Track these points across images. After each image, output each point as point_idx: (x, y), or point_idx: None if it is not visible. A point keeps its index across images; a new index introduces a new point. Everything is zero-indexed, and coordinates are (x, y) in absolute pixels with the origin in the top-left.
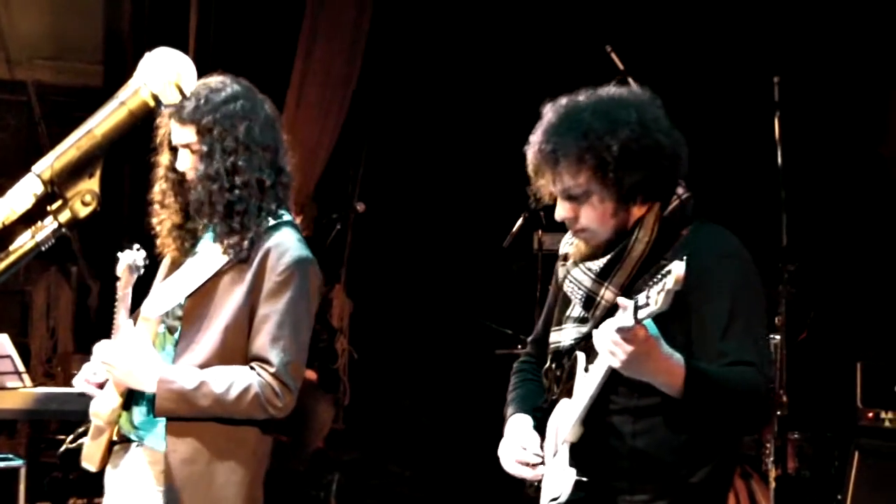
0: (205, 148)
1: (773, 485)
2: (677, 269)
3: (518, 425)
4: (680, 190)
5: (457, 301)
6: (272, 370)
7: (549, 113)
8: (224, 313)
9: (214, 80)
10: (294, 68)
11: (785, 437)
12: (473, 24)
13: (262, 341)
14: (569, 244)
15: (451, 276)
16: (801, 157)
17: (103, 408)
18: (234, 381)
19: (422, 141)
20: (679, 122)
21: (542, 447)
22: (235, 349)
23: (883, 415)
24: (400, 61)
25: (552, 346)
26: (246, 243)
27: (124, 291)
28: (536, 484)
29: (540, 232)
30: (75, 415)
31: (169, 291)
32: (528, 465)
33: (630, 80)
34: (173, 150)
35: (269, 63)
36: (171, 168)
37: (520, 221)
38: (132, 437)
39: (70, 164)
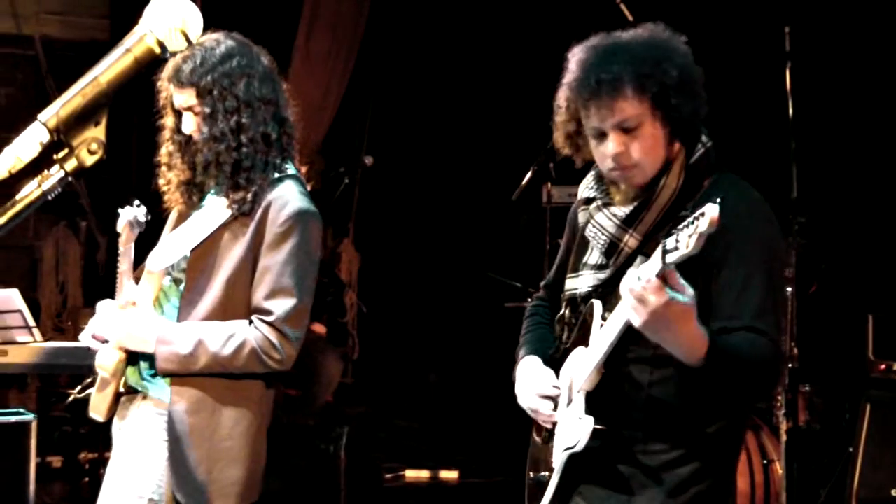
0: (207, 109)
1: (783, 437)
2: (711, 211)
3: (532, 364)
4: (704, 137)
5: (465, 254)
6: (271, 321)
7: (583, 52)
8: (227, 266)
9: (208, 38)
10: (301, 22)
11: (796, 389)
12: None
13: (263, 293)
14: (590, 188)
15: (459, 229)
16: (811, 108)
17: (107, 360)
18: (230, 337)
19: (429, 94)
20: None
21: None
22: (238, 301)
23: (894, 367)
24: (407, 13)
25: (568, 292)
26: (249, 196)
27: (125, 247)
28: (548, 431)
29: (549, 185)
30: (85, 369)
31: (174, 244)
32: (548, 397)
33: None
34: (177, 113)
35: (276, 17)
36: (177, 130)
37: (529, 174)
38: (139, 388)
39: (76, 112)
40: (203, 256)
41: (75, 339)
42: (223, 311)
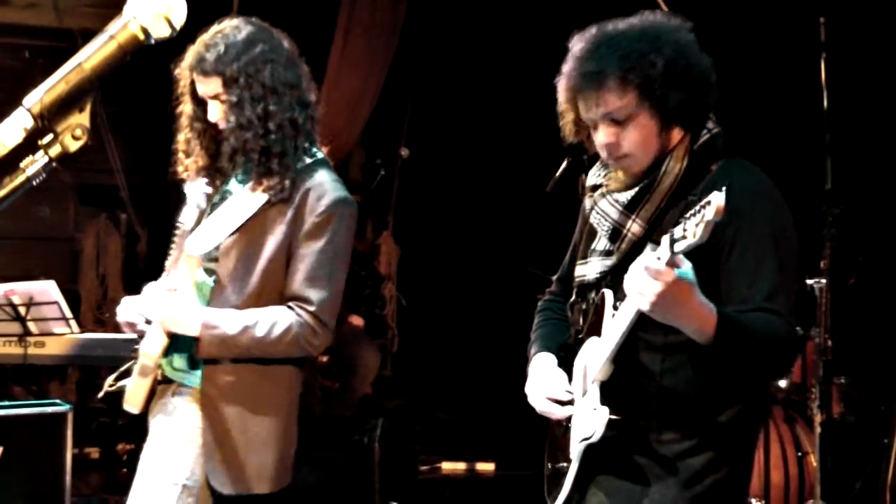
0: (234, 98)
1: (818, 430)
2: (717, 199)
3: (544, 363)
4: (710, 124)
5: (504, 247)
6: (311, 309)
7: (579, 42)
8: (265, 253)
9: (228, 25)
10: (339, 16)
11: (830, 381)
12: None
13: (301, 280)
14: (597, 175)
15: (497, 221)
16: (846, 99)
17: (153, 347)
18: (275, 322)
19: (467, 86)
20: (724, 63)
21: (569, 385)
22: (273, 287)
23: None
24: (445, 6)
25: (577, 279)
26: (287, 183)
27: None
28: (565, 424)
29: (583, 176)
30: (123, 360)
31: (210, 230)
32: (558, 402)
33: None
34: (197, 101)
35: (315, 8)
36: (196, 117)
37: (563, 165)
38: (173, 378)
39: (60, 98)
40: (239, 242)
41: (115, 331)
42: (258, 296)
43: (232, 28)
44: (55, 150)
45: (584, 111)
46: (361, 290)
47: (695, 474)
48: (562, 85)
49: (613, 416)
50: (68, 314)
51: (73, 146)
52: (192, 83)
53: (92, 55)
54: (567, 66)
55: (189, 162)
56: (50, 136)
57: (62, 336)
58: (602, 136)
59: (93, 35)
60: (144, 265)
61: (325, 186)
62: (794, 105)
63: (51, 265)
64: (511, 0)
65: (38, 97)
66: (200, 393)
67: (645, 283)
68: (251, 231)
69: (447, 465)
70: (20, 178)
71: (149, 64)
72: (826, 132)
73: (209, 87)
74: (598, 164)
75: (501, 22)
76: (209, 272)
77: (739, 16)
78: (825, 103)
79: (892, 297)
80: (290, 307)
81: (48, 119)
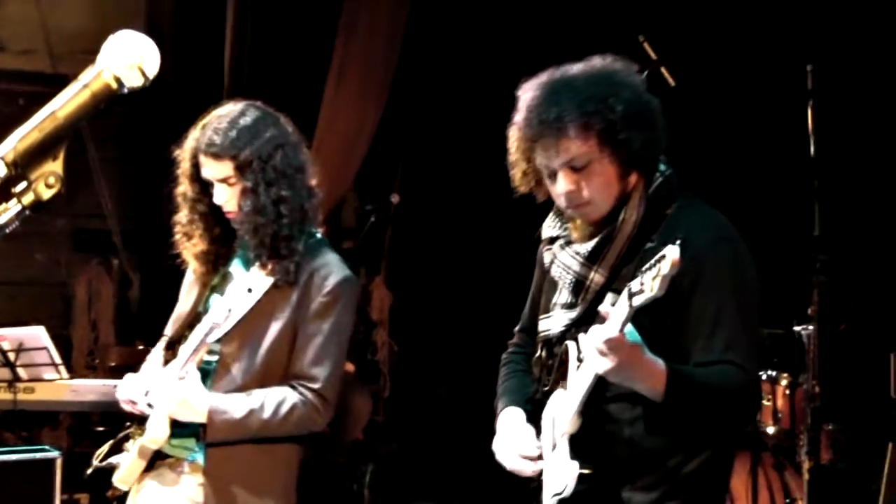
0: (248, 184)
1: (806, 476)
2: (672, 253)
3: (511, 419)
4: (662, 166)
5: (497, 292)
6: (316, 387)
7: (532, 90)
8: (269, 334)
9: (233, 108)
10: (333, 59)
11: (819, 428)
12: (513, 11)
13: (307, 360)
14: (552, 227)
15: (490, 266)
16: (834, 146)
17: (158, 433)
18: (280, 403)
19: (461, 131)
20: (712, 111)
21: (538, 440)
22: (277, 367)
23: None
24: (440, 51)
25: (541, 334)
26: (292, 267)
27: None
28: (537, 479)
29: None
30: (114, 406)
31: (217, 316)
32: (529, 458)
33: (663, 69)
34: (199, 182)
35: (308, 55)
36: (198, 200)
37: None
38: (171, 454)
39: (33, 147)
40: (243, 326)
41: (107, 376)
42: (262, 376)
43: (238, 112)
44: (28, 198)
45: (542, 160)
46: (353, 336)
47: None
48: (516, 134)
49: (584, 471)
50: (58, 360)
51: (47, 194)
52: (194, 165)
53: (65, 104)
54: (521, 115)
55: (189, 245)
56: (23, 184)
57: (52, 382)
58: (562, 185)
59: None
60: (137, 310)
61: (330, 267)
62: (782, 152)
63: (43, 310)
64: (504, 46)
65: (12, 145)
66: (203, 470)
67: (603, 354)
68: (256, 313)
69: None
70: None
71: (140, 109)
72: (814, 179)
73: (219, 170)
74: (551, 214)
75: (494, 68)
76: (210, 352)
77: (728, 64)
78: (812, 150)
79: (881, 343)
80: (293, 386)
81: (22, 167)
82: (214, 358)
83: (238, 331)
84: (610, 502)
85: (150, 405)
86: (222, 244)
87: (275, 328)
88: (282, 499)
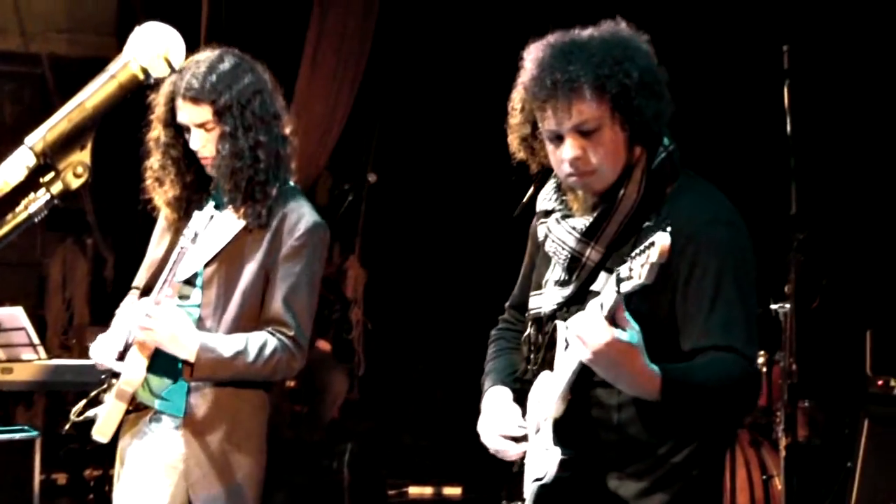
0: (227, 128)
1: (783, 453)
2: (661, 240)
3: (498, 398)
4: (666, 140)
5: (471, 270)
6: (290, 333)
7: (540, 50)
8: (244, 277)
9: (210, 54)
10: (307, 39)
11: (795, 405)
12: None
13: (279, 304)
14: (549, 199)
15: (465, 245)
16: (810, 125)
17: (135, 373)
18: (262, 348)
19: (436, 110)
20: (689, 90)
21: (524, 421)
22: (251, 312)
23: (893, 382)
24: (414, 30)
25: (532, 311)
26: (264, 211)
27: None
28: (520, 461)
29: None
30: (90, 386)
31: (189, 257)
32: (513, 439)
33: None
34: (173, 127)
35: (282, 34)
36: (171, 145)
37: (531, 190)
38: (153, 405)
39: (61, 137)
40: (218, 268)
41: (81, 356)
42: (240, 320)
43: (217, 57)
44: (57, 188)
45: (550, 123)
46: (329, 315)
47: None
48: (523, 95)
49: (565, 457)
50: (36, 340)
51: (75, 183)
52: (170, 110)
53: (93, 94)
54: (530, 75)
55: (161, 191)
56: (52, 174)
57: (29, 362)
58: (569, 150)
59: (60, 60)
60: (111, 290)
61: (301, 210)
62: (759, 131)
63: (17, 290)
64: (479, 24)
65: (41, 135)
66: (183, 420)
67: (582, 339)
68: (229, 257)
69: (414, 489)
70: (22, 216)
71: None
72: (790, 158)
73: (197, 114)
74: (548, 186)
75: (469, 46)
76: (184, 297)
77: (704, 43)
78: (789, 129)
79: (857, 320)
80: (270, 332)
81: (50, 157)
82: (195, 303)
83: (215, 277)
84: (596, 490)
85: (121, 355)
86: (194, 190)
87: (248, 272)
88: (260, 442)
